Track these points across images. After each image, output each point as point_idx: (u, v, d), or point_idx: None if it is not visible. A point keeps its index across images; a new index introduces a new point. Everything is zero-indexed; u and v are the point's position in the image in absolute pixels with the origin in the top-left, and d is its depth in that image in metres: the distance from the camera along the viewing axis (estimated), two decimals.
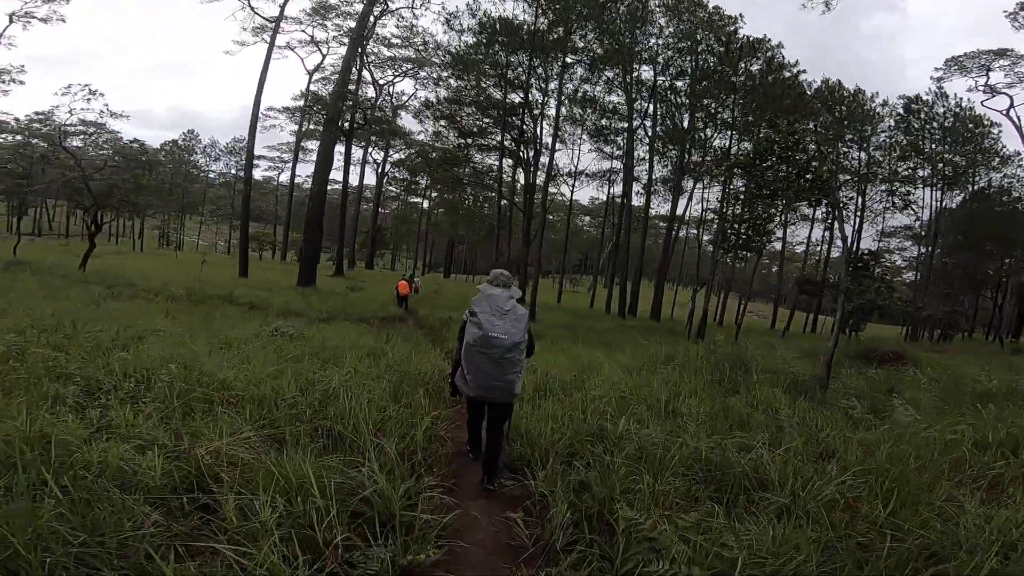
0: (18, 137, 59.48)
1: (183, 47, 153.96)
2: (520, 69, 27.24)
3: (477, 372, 3.83)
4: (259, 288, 19.81)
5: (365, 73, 42.40)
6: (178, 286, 17.07)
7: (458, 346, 4.15)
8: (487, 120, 27.79)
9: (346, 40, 39.62)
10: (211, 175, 64.99)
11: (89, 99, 23.21)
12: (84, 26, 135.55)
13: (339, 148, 44.04)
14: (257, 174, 67.26)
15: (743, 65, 25.43)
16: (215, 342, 7.07)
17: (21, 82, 45.59)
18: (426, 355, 8.99)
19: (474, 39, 26.38)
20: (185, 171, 61.57)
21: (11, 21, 42.91)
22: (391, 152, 48.13)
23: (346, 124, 37.75)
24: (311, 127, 45.34)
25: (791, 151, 8.78)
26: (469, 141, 28.96)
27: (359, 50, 26.05)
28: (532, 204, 32.71)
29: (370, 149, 47.22)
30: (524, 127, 28.20)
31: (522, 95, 26.74)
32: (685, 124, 31.35)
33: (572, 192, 39.27)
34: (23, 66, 45.75)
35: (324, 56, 40.48)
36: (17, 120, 58.14)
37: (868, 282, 18.49)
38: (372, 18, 37.25)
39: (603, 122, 32.57)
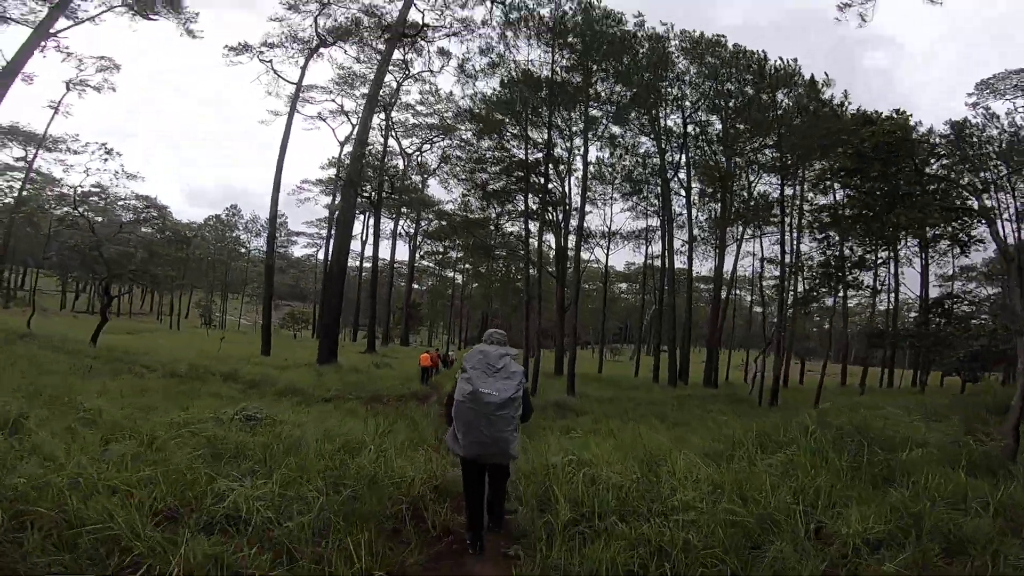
0: (79, 210, 62.58)
1: (230, 124, 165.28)
2: (542, 124, 26.36)
3: (468, 429, 3.66)
4: (273, 366, 18.16)
5: (393, 143, 42.94)
6: (185, 363, 15.53)
7: (447, 404, 3.99)
8: (511, 180, 26.65)
9: (377, 111, 40.41)
10: (252, 251, 66.18)
11: (106, 159, 22.88)
12: (139, 101, 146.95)
13: (368, 221, 44.33)
14: (297, 251, 68.40)
15: (780, 96, 23.76)
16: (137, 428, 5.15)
17: (75, 151, 48.04)
18: (422, 453, 6.79)
19: (490, 90, 25.76)
20: (229, 248, 62.76)
21: (68, 89, 45.47)
22: (422, 224, 47.79)
23: (373, 193, 37.57)
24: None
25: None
26: (495, 205, 27.72)
27: (375, 108, 25.57)
28: (565, 269, 30.91)
29: (401, 222, 46.97)
30: (550, 186, 26.92)
31: (544, 149, 25.64)
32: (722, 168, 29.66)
33: (607, 256, 37.34)
34: (78, 135, 48.32)
35: (354, 126, 40.99)
36: (74, 190, 61.48)
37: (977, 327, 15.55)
38: (395, 83, 37.85)
39: (635, 171, 31.04)
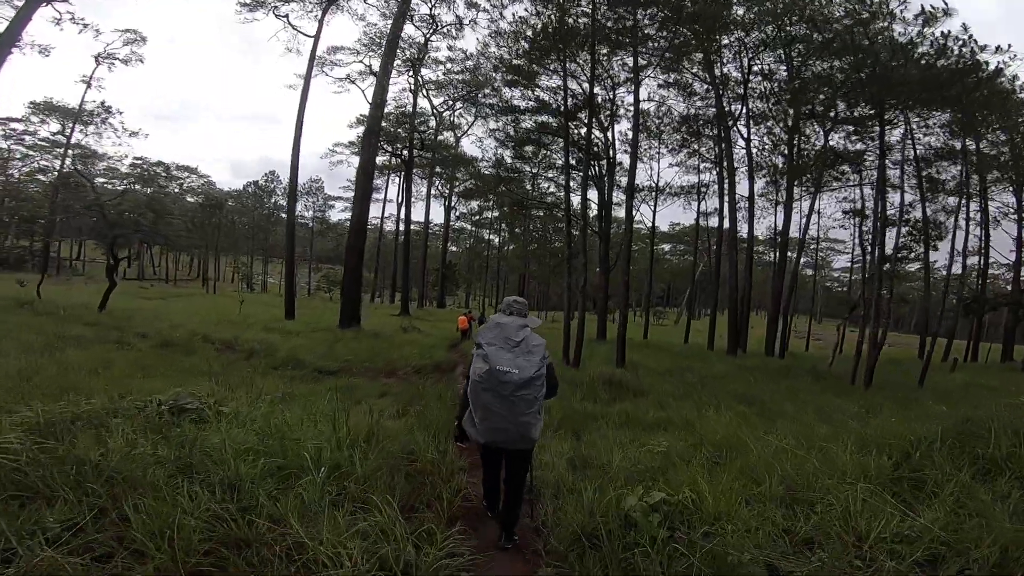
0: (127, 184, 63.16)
1: (270, 97, 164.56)
2: (582, 69, 22.96)
3: (486, 413, 3.27)
4: (289, 331, 16.18)
5: (424, 103, 40.09)
6: (185, 330, 13.67)
7: (464, 383, 3.55)
8: (548, 129, 23.51)
9: (403, 69, 37.53)
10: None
11: (105, 118, 20.99)
12: (185, 77, 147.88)
13: (399, 184, 42.02)
14: (335, 215, 67.14)
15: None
16: None
17: (111, 124, 47.61)
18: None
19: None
20: (268, 213, 61.92)
21: (97, 63, 44.67)
22: (456, 185, 45.12)
23: (404, 152, 35.14)
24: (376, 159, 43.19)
25: None
26: (531, 158, 24.74)
27: (395, 51, 22.78)
28: (609, 225, 27.87)
29: (435, 182, 44.42)
30: (593, 135, 23.73)
31: (587, 95, 22.39)
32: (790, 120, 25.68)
33: (655, 213, 33.88)
34: (110, 106, 47.77)
35: (386, 88, 38.35)
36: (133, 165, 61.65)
37: None
38: (423, 39, 34.79)
39: (688, 121, 27.37)
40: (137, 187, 56.34)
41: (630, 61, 24.76)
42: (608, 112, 26.32)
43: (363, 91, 38.66)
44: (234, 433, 4.41)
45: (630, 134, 31.57)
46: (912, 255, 16.51)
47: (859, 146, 23.32)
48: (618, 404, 8.68)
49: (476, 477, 4.28)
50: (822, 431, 7.32)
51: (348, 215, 61.19)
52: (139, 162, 53.15)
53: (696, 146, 32.30)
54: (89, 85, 48.32)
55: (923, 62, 15.22)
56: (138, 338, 12.30)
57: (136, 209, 19.07)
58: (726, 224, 28.33)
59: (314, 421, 5.20)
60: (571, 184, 23.08)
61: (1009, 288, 32.05)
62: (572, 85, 23.54)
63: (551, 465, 5.16)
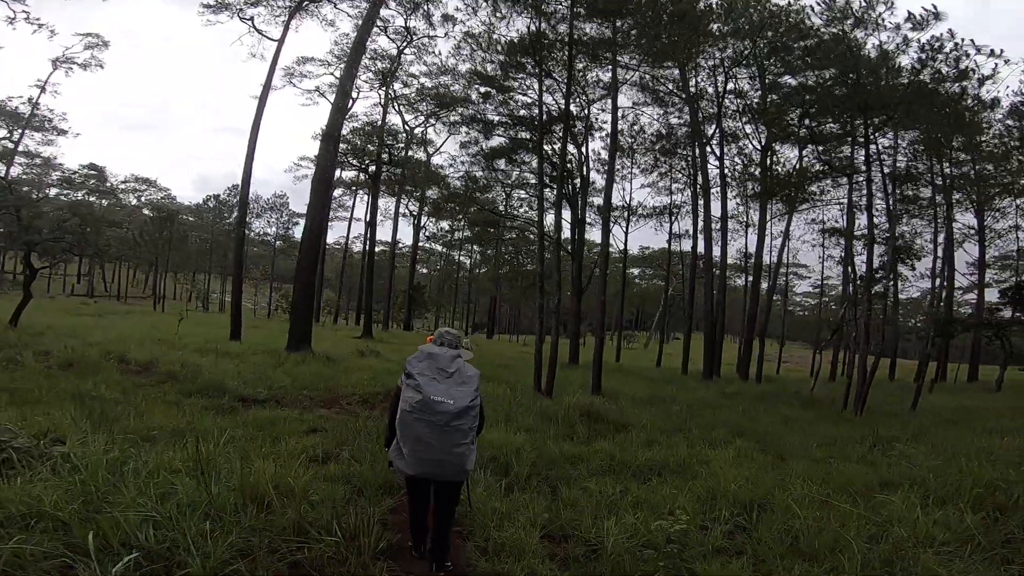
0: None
1: (237, 109, 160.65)
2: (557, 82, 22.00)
3: (416, 444, 3.12)
4: (229, 353, 14.23)
5: (396, 120, 38.75)
6: (103, 349, 11.66)
7: (390, 414, 3.48)
8: (521, 142, 22.38)
9: (374, 82, 36.23)
10: (255, 234, 62.29)
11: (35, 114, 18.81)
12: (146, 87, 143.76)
13: (367, 200, 40.29)
14: (299, 232, 64.56)
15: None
16: None
17: (63, 131, 44.64)
18: None
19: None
20: (229, 228, 58.93)
21: (54, 67, 41.90)
22: (427, 203, 43.59)
23: (371, 167, 33.61)
24: (341, 175, 41.49)
25: None
26: (500, 173, 23.58)
27: (362, 55, 21.38)
28: (582, 245, 26.76)
29: (404, 201, 42.80)
30: (567, 152, 22.75)
31: (561, 107, 21.43)
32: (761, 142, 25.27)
33: (627, 234, 33.03)
34: (65, 113, 44.81)
35: (354, 100, 36.88)
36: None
37: None
38: (396, 50, 33.66)
39: (661, 140, 26.73)
40: (70, 195, 53.30)
41: (606, 77, 24.09)
42: (583, 127, 25.47)
43: (332, 104, 37.20)
44: (34, 489, 2.85)
45: (603, 153, 30.92)
46: (892, 276, 15.70)
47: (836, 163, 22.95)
48: (599, 441, 7.20)
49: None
50: (849, 472, 5.99)
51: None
52: (58, 163, 50.11)
53: (669, 166, 31.76)
54: (43, 90, 45.51)
55: (913, 68, 14.57)
56: (38, 357, 10.32)
57: (58, 215, 16.90)
58: (700, 246, 27.64)
59: (182, 472, 3.58)
60: (544, 203, 21.93)
61: (971, 310, 32.25)
62: (547, 99, 22.69)
63: (518, 545, 3.62)
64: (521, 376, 15.12)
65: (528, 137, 23.66)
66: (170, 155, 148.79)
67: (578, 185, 26.38)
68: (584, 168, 26.88)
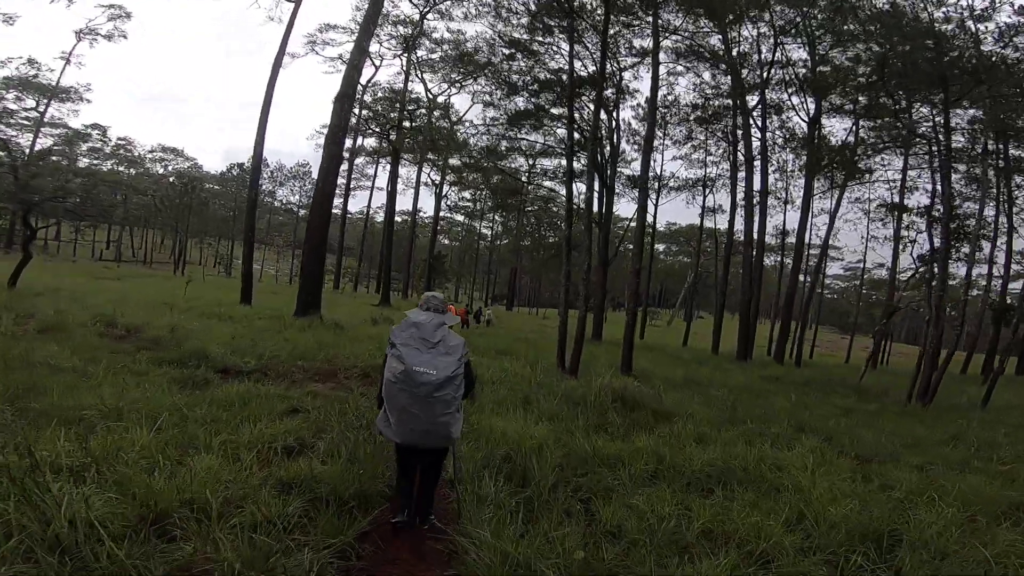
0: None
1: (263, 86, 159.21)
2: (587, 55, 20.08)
3: (401, 414, 3.07)
4: (232, 317, 13.22)
5: (418, 88, 37.10)
6: (95, 313, 10.71)
7: (380, 382, 3.30)
8: (549, 103, 20.70)
9: (399, 50, 34.56)
10: (278, 202, 61.78)
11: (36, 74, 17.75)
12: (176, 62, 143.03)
13: (389, 167, 38.92)
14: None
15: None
16: None
17: (88, 100, 44.38)
18: None
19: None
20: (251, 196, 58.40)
21: (78, 39, 41.28)
22: (449, 173, 42.03)
23: (392, 133, 32.23)
24: (363, 143, 40.19)
25: None
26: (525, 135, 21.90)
27: (380, 9, 19.76)
28: (610, 216, 25.11)
29: (426, 169, 41.33)
30: (599, 120, 20.95)
31: (595, 67, 19.59)
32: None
33: (656, 208, 31.11)
34: (89, 84, 44.30)
35: (377, 68, 35.38)
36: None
37: None
38: (419, 14, 31.92)
39: (699, 109, 24.66)
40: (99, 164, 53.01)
41: (638, 43, 22.16)
42: (613, 92, 23.59)
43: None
44: None
45: (634, 122, 28.96)
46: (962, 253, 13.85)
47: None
48: (640, 435, 5.86)
49: None
50: (973, 486, 4.58)
51: (338, 201, 58.16)
52: (87, 134, 49.83)
53: (703, 137, 29.66)
54: (68, 62, 44.87)
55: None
56: (20, 320, 9.36)
57: (57, 175, 16.00)
58: (737, 222, 25.78)
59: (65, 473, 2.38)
60: (572, 168, 20.24)
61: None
62: (576, 65, 20.87)
63: None
64: (542, 352, 13.85)
65: (553, 103, 21.96)
66: (198, 129, 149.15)
67: (607, 153, 24.68)
68: (615, 136, 25.14)
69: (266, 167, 57.08)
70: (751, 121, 24.17)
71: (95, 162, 64.45)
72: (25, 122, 44.50)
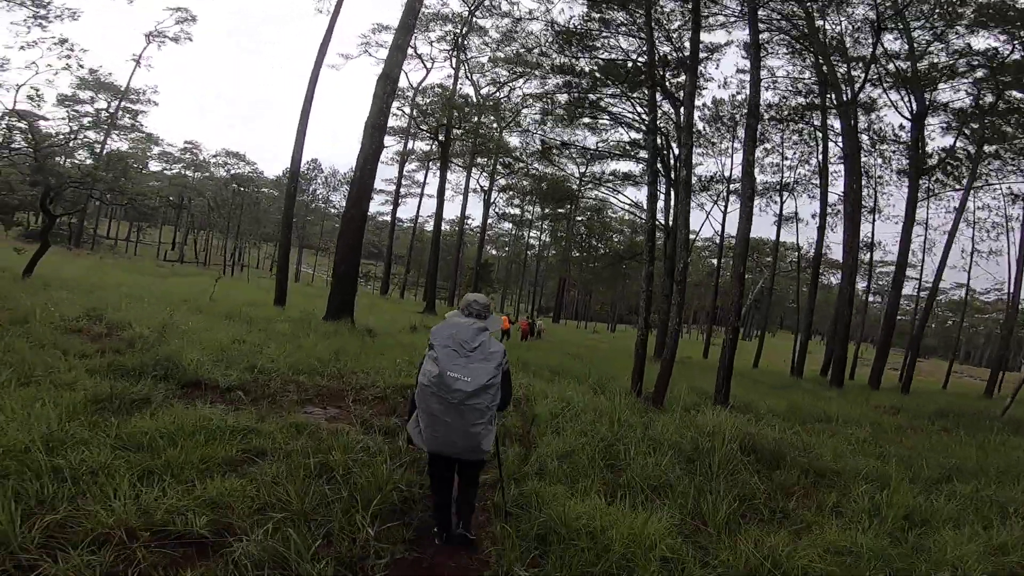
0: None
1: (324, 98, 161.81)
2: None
3: (432, 420, 2.82)
4: (252, 319, 11.49)
5: (469, 90, 35.49)
6: (86, 308, 9.12)
7: (415, 386, 3.01)
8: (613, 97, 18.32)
9: (448, 49, 33.16)
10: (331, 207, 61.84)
11: (69, 55, 16.90)
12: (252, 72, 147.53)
13: (437, 173, 37.41)
14: (373, 207, 63.52)
15: None
16: None
17: (155, 103, 45.45)
18: None
19: None
20: (307, 201, 58.50)
21: (148, 41, 42.22)
22: (498, 179, 40.18)
23: (440, 134, 30.64)
24: (415, 146, 38.94)
25: None
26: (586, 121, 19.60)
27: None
28: (688, 216, 22.36)
29: (475, 175, 39.66)
30: (692, 106, 18.52)
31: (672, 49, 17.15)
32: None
33: (725, 215, 28.02)
34: (156, 86, 45.41)
35: (428, 71, 34.11)
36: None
37: None
38: (467, 10, 30.40)
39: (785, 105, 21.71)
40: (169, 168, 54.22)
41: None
42: (688, 82, 20.98)
43: (406, 74, 34.51)
44: None
45: (698, 123, 26.26)
46: None
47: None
48: (814, 516, 3.38)
49: None
50: None
51: (388, 208, 57.34)
52: (159, 137, 50.94)
53: (779, 139, 26.56)
54: (138, 63, 46.17)
55: None
56: None
57: (89, 165, 15.02)
58: (811, 233, 22.51)
59: None
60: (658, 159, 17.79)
61: None
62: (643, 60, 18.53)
63: None
64: (603, 371, 11.41)
65: (622, 87, 19.56)
66: (264, 136, 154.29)
67: (677, 154, 22.04)
68: (688, 134, 22.47)
69: (319, 172, 57.21)
70: (840, 120, 21.03)
71: (166, 166, 66.91)
72: (103, 125, 46.16)
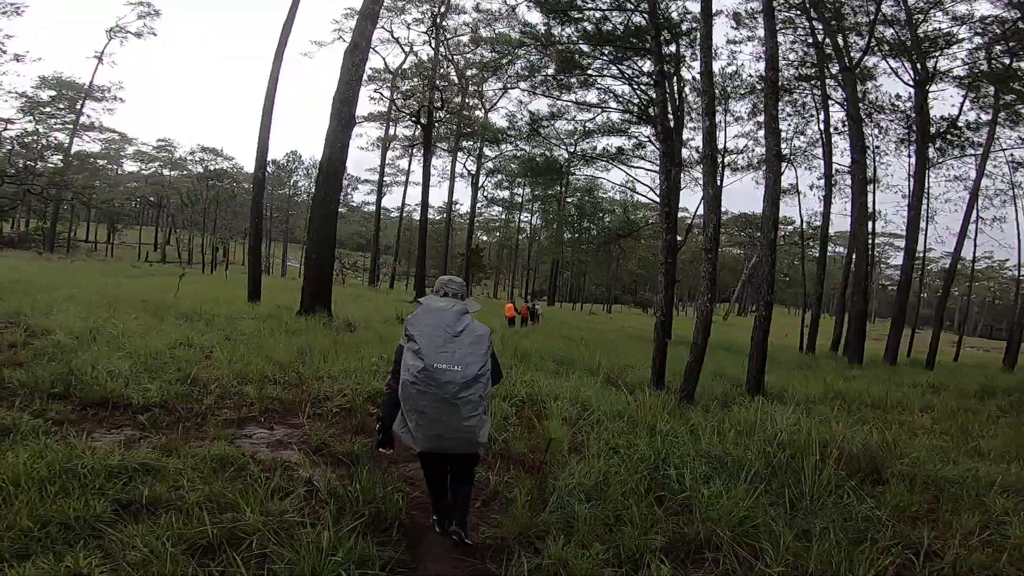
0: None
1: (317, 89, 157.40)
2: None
3: (421, 418, 2.50)
4: (218, 316, 10.15)
5: (452, 73, 33.74)
6: (9, 310, 7.76)
7: (391, 378, 2.75)
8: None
9: (427, 26, 31.43)
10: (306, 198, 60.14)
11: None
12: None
13: (421, 158, 35.84)
14: (358, 197, 61.68)
15: None
16: None
17: (121, 99, 43.43)
18: None
19: None
20: (289, 194, 56.54)
21: (109, 38, 40.06)
22: (485, 162, 38.63)
23: (423, 114, 28.99)
24: (397, 132, 37.29)
25: None
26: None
27: None
28: (677, 196, 21.19)
29: (461, 159, 38.08)
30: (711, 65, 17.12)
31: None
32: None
33: (720, 189, 26.68)
34: (121, 82, 43.54)
35: (406, 55, 32.43)
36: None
37: None
38: None
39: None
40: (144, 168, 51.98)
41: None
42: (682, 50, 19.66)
43: (384, 58, 32.78)
44: None
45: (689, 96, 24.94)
46: None
47: None
48: (964, 561, 2.19)
49: None
50: None
51: (373, 198, 55.46)
52: (133, 138, 48.85)
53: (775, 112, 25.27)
54: (100, 60, 43.74)
55: None
56: None
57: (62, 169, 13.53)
58: (816, 203, 21.40)
59: None
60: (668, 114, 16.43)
61: None
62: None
63: None
64: (613, 359, 10.25)
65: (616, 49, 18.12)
66: (243, 130, 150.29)
67: (671, 124, 20.73)
68: (682, 105, 21.19)
69: (300, 164, 55.30)
70: (844, 87, 19.82)
71: (142, 166, 64.47)
72: (67, 125, 43.88)
